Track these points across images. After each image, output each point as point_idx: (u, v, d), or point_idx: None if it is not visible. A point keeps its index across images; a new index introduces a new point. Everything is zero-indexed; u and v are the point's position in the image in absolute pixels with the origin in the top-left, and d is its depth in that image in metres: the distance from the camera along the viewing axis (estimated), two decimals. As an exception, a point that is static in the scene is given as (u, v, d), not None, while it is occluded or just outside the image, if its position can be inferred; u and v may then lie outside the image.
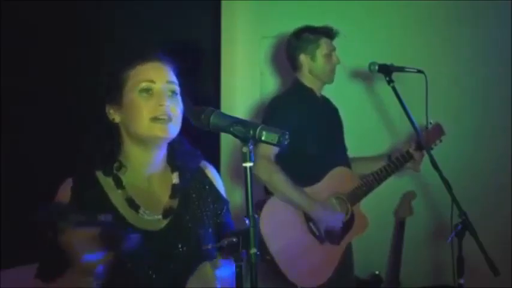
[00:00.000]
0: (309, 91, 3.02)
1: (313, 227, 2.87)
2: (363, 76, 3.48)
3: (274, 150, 2.74)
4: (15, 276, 2.39)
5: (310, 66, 3.00)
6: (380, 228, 3.67)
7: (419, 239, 3.56)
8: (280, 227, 2.78)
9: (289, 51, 3.07)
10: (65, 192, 1.62)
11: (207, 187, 1.76)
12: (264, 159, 2.73)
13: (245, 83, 3.97)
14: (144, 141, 1.64)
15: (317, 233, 2.87)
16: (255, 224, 1.38)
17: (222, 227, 1.74)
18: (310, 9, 3.77)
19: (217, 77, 3.86)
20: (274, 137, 1.38)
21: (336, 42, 3.17)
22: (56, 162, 2.67)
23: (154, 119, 1.60)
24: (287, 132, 1.39)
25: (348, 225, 2.97)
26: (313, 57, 2.99)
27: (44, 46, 2.76)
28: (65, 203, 1.54)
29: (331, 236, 2.90)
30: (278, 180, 2.77)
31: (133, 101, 1.62)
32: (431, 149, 2.97)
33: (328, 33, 3.01)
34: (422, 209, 3.52)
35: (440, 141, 3.10)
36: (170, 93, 1.64)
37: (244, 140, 1.41)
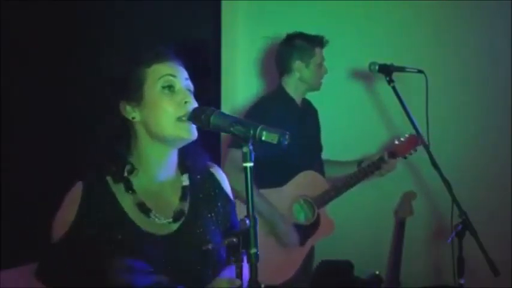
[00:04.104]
0: (289, 99, 3.09)
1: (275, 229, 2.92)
2: (363, 76, 3.47)
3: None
4: (15, 276, 2.39)
5: (303, 73, 3.07)
6: (380, 228, 3.67)
7: (419, 239, 3.56)
8: None
9: (281, 56, 3.13)
10: (74, 196, 1.61)
11: (216, 190, 1.75)
12: (231, 162, 2.76)
13: (245, 83, 3.97)
14: (167, 141, 1.62)
15: None
16: (255, 224, 1.38)
17: (231, 231, 1.72)
18: (310, 9, 3.77)
19: (218, 77, 3.86)
20: (274, 137, 1.39)
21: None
22: (56, 162, 2.68)
23: (180, 119, 1.58)
24: (287, 133, 1.39)
25: (313, 227, 3.03)
26: (307, 65, 3.07)
27: (44, 46, 2.76)
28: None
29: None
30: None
31: (156, 99, 1.60)
32: (405, 158, 3.12)
33: (321, 42, 3.09)
34: (422, 209, 3.52)
35: (415, 150, 3.11)
36: (188, 92, 1.63)
37: (245, 140, 1.41)
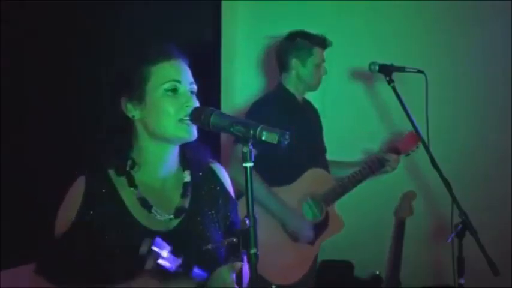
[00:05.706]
0: (291, 96, 3.08)
1: (287, 226, 2.91)
2: (364, 76, 3.47)
3: None
4: (15, 276, 2.39)
5: (300, 71, 3.06)
6: (380, 228, 3.67)
7: (419, 239, 3.56)
8: None
9: (280, 52, 3.13)
10: (77, 191, 1.61)
11: (218, 188, 1.75)
12: (239, 161, 2.76)
13: (245, 83, 3.97)
14: (167, 140, 1.63)
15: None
16: (255, 224, 1.38)
17: (230, 228, 1.73)
18: (311, 9, 3.77)
19: (217, 77, 3.86)
20: (274, 137, 1.38)
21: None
22: (56, 162, 2.68)
23: (181, 121, 1.58)
24: (287, 132, 1.39)
25: (322, 225, 3.01)
26: (304, 64, 3.05)
27: (44, 46, 2.76)
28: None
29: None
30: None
31: (158, 100, 1.59)
32: (408, 155, 3.17)
33: (322, 43, 3.07)
34: (422, 209, 3.52)
35: (417, 147, 3.11)
36: (191, 94, 1.63)
37: (245, 140, 1.41)
